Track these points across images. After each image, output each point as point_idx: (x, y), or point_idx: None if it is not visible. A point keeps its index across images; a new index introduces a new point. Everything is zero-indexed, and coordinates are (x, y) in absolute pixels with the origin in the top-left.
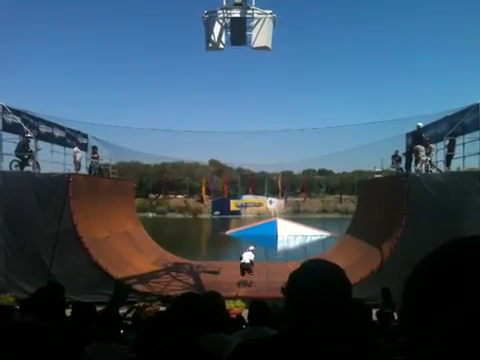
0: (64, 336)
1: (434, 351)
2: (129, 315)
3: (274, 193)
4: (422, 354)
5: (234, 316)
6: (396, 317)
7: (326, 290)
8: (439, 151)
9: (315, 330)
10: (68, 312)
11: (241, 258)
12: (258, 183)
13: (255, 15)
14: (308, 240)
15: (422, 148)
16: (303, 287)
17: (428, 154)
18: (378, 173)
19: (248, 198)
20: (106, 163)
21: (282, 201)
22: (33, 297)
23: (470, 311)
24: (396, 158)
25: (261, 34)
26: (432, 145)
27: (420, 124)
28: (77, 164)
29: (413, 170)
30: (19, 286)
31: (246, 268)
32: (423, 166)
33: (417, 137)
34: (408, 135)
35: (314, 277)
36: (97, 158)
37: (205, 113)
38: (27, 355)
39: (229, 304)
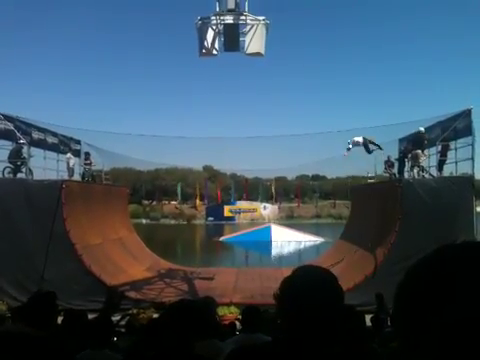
0: (56, 344)
1: (427, 355)
2: (122, 322)
3: (268, 199)
4: (415, 358)
5: (227, 323)
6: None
7: (318, 295)
8: (432, 156)
9: (307, 335)
10: (59, 319)
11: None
12: (252, 189)
13: (248, 21)
14: (302, 246)
15: (421, 153)
16: (295, 292)
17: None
18: (371, 178)
19: (242, 204)
20: (99, 169)
21: (276, 207)
22: (25, 305)
23: (463, 316)
24: (389, 163)
25: (254, 40)
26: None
27: (422, 129)
28: (70, 170)
29: (406, 175)
30: (11, 294)
31: None
32: (422, 172)
33: (417, 142)
34: (401, 140)
35: (306, 282)
36: (90, 164)
37: (198, 119)
38: None
39: (223, 310)
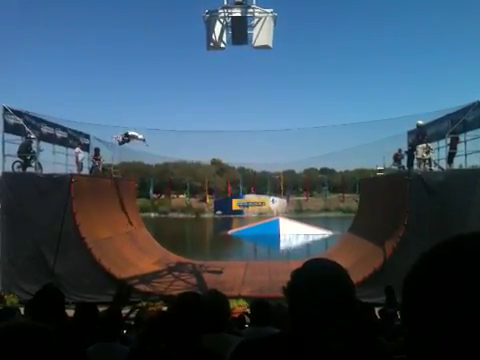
0: (64, 337)
1: (433, 352)
2: (132, 315)
3: (276, 192)
4: (421, 355)
5: (236, 316)
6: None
7: (328, 288)
8: (441, 149)
9: (317, 329)
10: (71, 313)
11: None
12: (260, 182)
13: (256, 14)
14: (310, 239)
15: (425, 146)
16: (304, 286)
17: (427, 153)
18: (380, 171)
19: (250, 197)
20: (108, 163)
21: (284, 200)
22: (33, 299)
23: (468, 311)
24: (398, 156)
25: (262, 33)
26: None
27: (420, 122)
28: (79, 165)
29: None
30: (22, 287)
31: None
32: (430, 165)
33: (423, 135)
34: (410, 133)
35: (316, 276)
36: (99, 160)
37: (207, 112)
38: (22, 357)
39: (232, 303)
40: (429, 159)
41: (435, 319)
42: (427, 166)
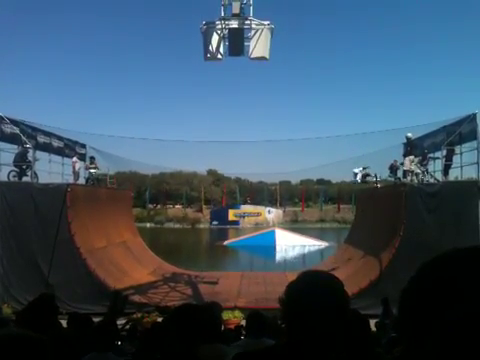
0: (59, 347)
1: (431, 353)
2: (127, 326)
3: (272, 203)
4: (419, 357)
5: (232, 327)
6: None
7: (323, 300)
8: (437, 161)
9: (312, 340)
10: (64, 323)
11: None
12: (256, 193)
13: (253, 26)
14: (306, 250)
15: (411, 159)
16: (300, 297)
17: (425, 165)
18: (376, 183)
19: (246, 208)
20: (104, 173)
21: (280, 211)
22: (25, 308)
23: (466, 313)
24: (394, 167)
25: (259, 44)
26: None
27: (409, 134)
28: (76, 174)
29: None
30: (16, 297)
31: None
32: (414, 177)
33: (413, 147)
34: (405, 145)
35: (311, 287)
36: (95, 168)
37: (203, 123)
38: None
39: (227, 314)
40: (424, 171)
41: (434, 321)
42: (410, 177)
